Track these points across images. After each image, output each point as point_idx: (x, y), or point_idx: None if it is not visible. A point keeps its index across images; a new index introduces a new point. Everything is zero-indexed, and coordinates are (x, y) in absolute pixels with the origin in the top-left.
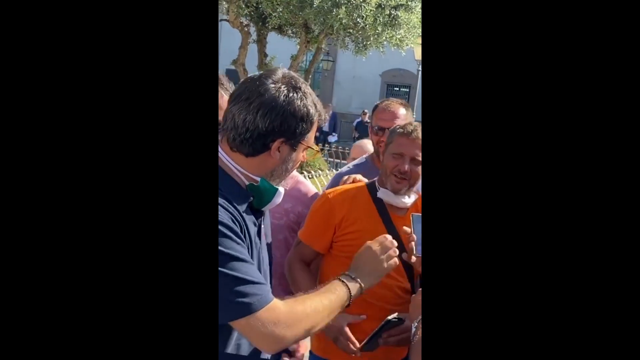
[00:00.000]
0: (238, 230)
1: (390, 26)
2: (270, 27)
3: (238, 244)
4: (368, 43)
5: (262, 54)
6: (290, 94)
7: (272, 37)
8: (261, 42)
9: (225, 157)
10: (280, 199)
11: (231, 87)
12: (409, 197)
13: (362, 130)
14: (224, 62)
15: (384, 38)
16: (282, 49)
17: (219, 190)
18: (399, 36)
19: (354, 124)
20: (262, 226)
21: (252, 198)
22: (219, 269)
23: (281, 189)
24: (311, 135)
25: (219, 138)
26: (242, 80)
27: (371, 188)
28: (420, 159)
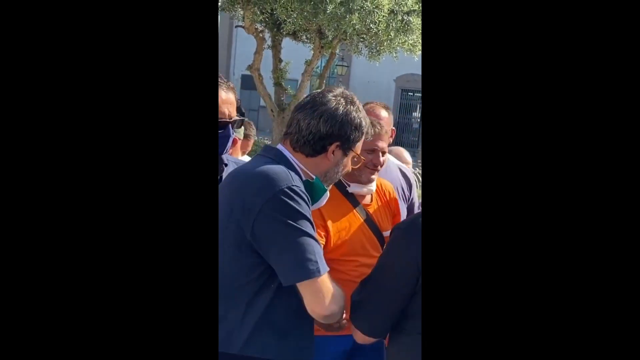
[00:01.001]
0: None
1: (402, 32)
2: (284, 33)
3: (311, 214)
4: (381, 48)
5: (277, 59)
6: (348, 106)
7: (287, 43)
8: (276, 47)
9: (289, 155)
10: (325, 202)
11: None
12: (374, 183)
13: None
14: (240, 67)
15: (396, 43)
16: (296, 54)
17: (293, 177)
18: (411, 41)
19: None
20: None
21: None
22: (302, 229)
23: (328, 192)
24: (359, 146)
25: (281, 141)
26: (256, 84)
27: (336, 184)
28: (386, 150)
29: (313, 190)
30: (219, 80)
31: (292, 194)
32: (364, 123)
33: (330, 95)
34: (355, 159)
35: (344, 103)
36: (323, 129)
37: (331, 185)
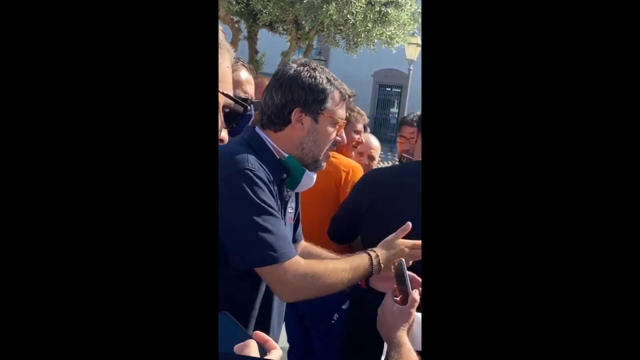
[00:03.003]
0: (273, 190)
1: (380, 23)
2: (260, 23)
3: (271, 198)
4: (359, 40)
5: (253, 50)
6: (299, 69)
7: (263, 34)
8: (252, 38)
9: (261, 134)
10: (312, 183)
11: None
12: None
13: None
14: None
15: (374, 35)
16: (273, 45)
17: (259, 160)
18: (389, 33)
19: None
20: (290, 207)
21: (285, 175)
22: (253, 217)
23: (311, 172)
24: (335, 110)
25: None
26: None
27: None
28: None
29: (290, 171)
30: (241, 62)
31: (246, 176)
32: (320, 81)
33: (289, 65)
34: (336, 124)
35: (294, 67)
36: (276, 99)
37: (322, 166)
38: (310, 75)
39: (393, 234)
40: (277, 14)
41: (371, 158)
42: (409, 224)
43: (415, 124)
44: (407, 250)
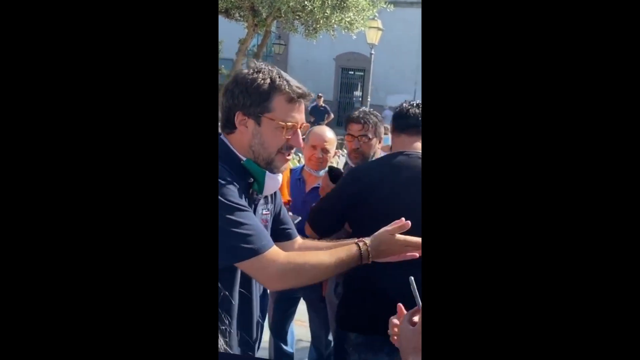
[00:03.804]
0: (239, 191)
1: (339, 9)
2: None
3: (238, 197)
4: (318, 26)
5: None
6: (244, 72)
7: (219, 21)
8: None
9: (224, 139)
10: (277, 185)
11: None
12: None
13: (318, 115)
14: None
15: (333, 21)
16: (229, 32)
17: (225, 166)
18: (348, 19)
19: (309, 108)
20: (264, 209)
21: (252, 179)
22: (226, 215)
23: (274, 175)
24: (280, 112)
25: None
26: None
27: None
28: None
29: (252, 174)
30: None
31: None
32: (260, 84)
33: (242, 70)
34: (283, 126)
35: (243, 71)
36: (226, 103)
37: (283, 167)
38: (252, 78)
39: (385, 228)
40: (233, 0)
41: (325, 151)
42: (408, 223)
43: (362, 121)
44: (398, 246)
